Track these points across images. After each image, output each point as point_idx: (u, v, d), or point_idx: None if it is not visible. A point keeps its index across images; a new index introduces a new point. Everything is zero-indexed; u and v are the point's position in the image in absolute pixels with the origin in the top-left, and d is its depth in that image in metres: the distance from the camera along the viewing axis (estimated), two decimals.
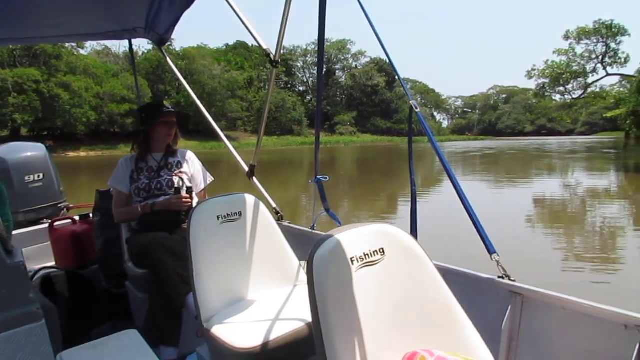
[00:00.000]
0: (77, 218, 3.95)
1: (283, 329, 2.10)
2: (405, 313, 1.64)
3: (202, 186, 3.49)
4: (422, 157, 35.14)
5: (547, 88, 45.63)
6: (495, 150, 47.47)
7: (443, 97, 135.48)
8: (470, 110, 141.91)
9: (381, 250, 1.64)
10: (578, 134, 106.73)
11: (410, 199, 2.65)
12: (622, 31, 42.37)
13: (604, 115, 52.61)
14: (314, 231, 3.29)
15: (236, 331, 2.12)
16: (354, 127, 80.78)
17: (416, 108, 2.48)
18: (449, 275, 2.01)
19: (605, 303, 1.80)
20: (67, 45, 46.00)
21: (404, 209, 12.35)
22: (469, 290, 2.12)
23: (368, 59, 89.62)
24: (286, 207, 11.43)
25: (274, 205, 3.66)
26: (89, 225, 3.84)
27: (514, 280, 2.08)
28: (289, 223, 3.59)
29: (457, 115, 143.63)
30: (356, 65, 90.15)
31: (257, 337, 2.04)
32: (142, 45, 70.27)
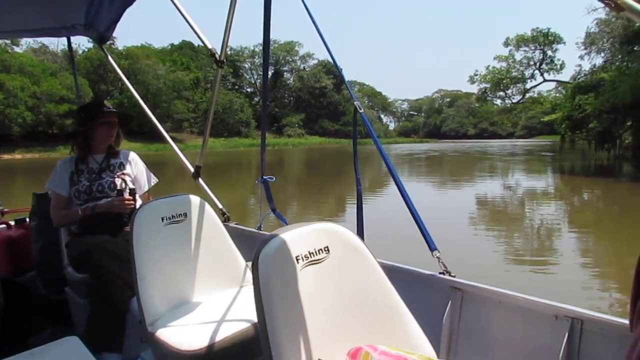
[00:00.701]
0: (12, 223, 3.78)
1: (229, 330, 2.09)
2: (350, 310, 1.67)
3: (146, 188, 3.41)
4: (369, 158, 35.60)
5: (489, 93, 47.20)
6: (439, 153, 48.75)
7: (390, 100, 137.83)
8: (416, 113, 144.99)
9: (326, 249, 1.66)
10: (518, 137, 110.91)
11: (356, 198, 2.69)
12: (557, 39, 44.41)
13: (541, 120, 54.88)
14: (260, 232, 3.29)
15: (181, 334, 2.09)
16: (302, 128, 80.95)
17: (360, 109, 2.52)
18: (392, 273, 2.06)
19: (541, 296, 1.89)
20: (0, 42, 43.87)
21: (353, 209, 12.46)
22: (412, 286, 2.18)
23: (316, 61, 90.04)
24: (234, 209, 11.33)
25: (220, 206, 3.63)
26: (26, 230, 3.69)
27: (454, 276, 2.16)
28: (236, 224, 3.57)
29: (403, 118, 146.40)
30: (304, 67, 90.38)
31: (203, 339, 2.02)
32: (83, 43, 67.84)
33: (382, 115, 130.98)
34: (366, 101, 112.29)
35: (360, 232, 2.57)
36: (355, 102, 2.51)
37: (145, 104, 4.06)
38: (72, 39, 4.18)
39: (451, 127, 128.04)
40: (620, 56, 29.98)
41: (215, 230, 2.65)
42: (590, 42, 36.52)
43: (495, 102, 54.53)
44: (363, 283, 1.70)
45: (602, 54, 35.82)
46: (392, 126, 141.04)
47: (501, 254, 8.05)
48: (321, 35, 2.64)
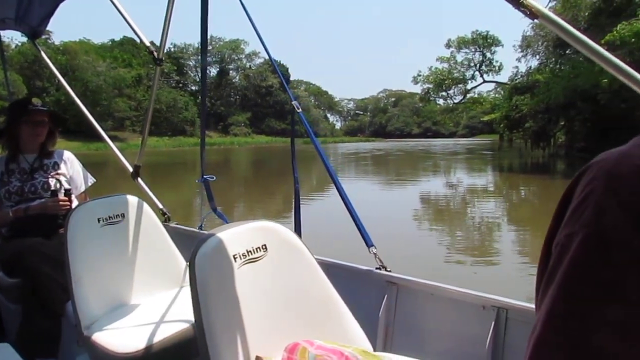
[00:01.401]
0: None
1: (167, 331, 2.07)
2: (289, 306, 1.69)
3: (83, 188, 3.32)
4: (316, 157, 35.72)
5: (432, 93, 48.38)
6: (384, 152, 49.55)
7: (336, 99, 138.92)
8: (362, 113, 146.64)
9: (263, 247, 1.68)
10: (460, 136, 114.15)
11: (294, 197, 2.73)
12: (496, 42, 46.09)
13: (482, 119, 56.81)
14: (201, 231, 3.26)
15: (118, 336, 2.06)
16: (248, 127, 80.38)
17: (298, 108, 2.55)
18: (331, 269, 2.10)
19: (477, 288, 1.99)
20: None
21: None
22: (350, 282, 2.23)
23: (262, 60, 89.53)
24: (179, 209, 11.15)
25: (160, 206, 3.57)
26: None
27: (389, 271, 2.23)
28: (177, 224, 3.53)
29: (349, 117, 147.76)
30: (250, 66, 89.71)
31: (140, 341, 2.00)
32: (16, 37, 64.65)
33: (328, 115, 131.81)
34: (312, 100, 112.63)
35: (298, 230, 2.60)
36: (292, 102, 2.55)
37: (85, 101, 3.94)
38: (4, 32, 4.01)
39: (396, 126, 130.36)
40: (553, 59, 31.47)
41: (155, 230, 2.61)
42: (526, 45, 38.11)
43: (438, 102, 55.96)
44: (300, 280, 1.73)
45: (537, 57, 37.46)
46: (338, 125, 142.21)
47: (443, 249, 8.29)
48: (257, 32, 2.66)
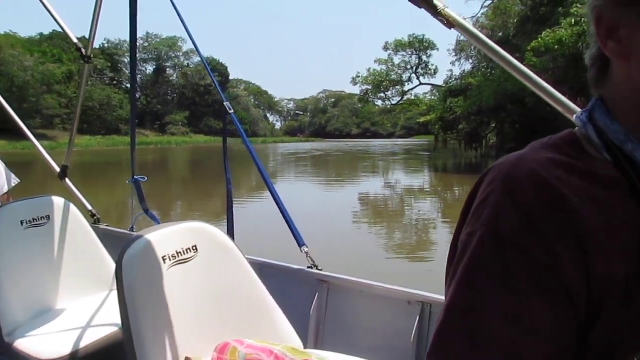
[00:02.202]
0: None
1: (94, 336, 2.03)
2: (220, 307, 1.70)
3: (5, 189, 3.17)
4: (263, 157, 35.48)
5: (370, 94, 49.05)
6: (323, 152, 49.91)
7: (276, 99, 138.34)
8: (302, 113, 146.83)
9: (194, 248, 1.68)
10: (398, 137, 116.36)
11: (226, 198, 2.73)
12: (431, 45, 47.38)
13: (418, 121, 58.20)
14: (133, 233, 3.20)
15: (42, 342, 1.99)
16: (186, 127, 78.71)
17: (230, 110, 2.56)
18: (263, 269, 2.13)
19: (408, 285, 2.06)
20: None
21: (237, 208, 12.41)
22: (282, 281, 2.26)
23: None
24: (113, 210, 10.80)
25: (89, 207, 3.46)
26: None
27: (321, 270, 2.28)
28: (107, 226, 3.44)
29: (289, 118, 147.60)
30: (188, 64, 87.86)
31: (65, 347, 1.94)
32: None
33: (268, 115, 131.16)
34: (252, 100, 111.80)
35: (231, 231, 2.61)
36: (225, 103, 2.55)
37: (10, 98, 3.76)
38: None
39: (336, 126, 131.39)
40: (485, 63, 32.68)
41: (82, 232, 2.54)
42: (460, 49, 39.40)
43: (376, 103, 56.82)
44: (232, 280, 1.74)
45: (470, 61, 38.81)
46: (278, 125, 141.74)
47: (379, 247, 8.46)
48: (187, 29, 2.65)
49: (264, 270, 2.03)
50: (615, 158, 0.66)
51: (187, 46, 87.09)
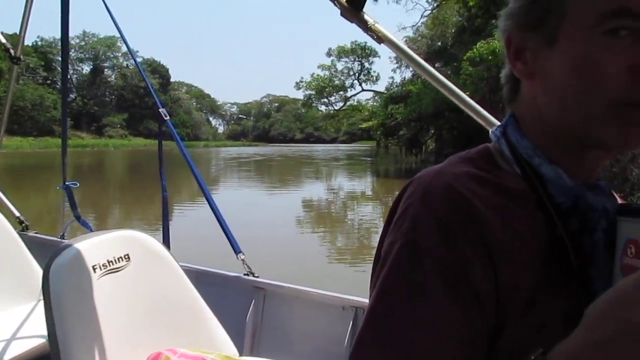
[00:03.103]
0: None
1: (19, 349, 1.94)
2: (152, 316, 1.67)
3: None
4: (198, 161, 34.89)
5: (313, 99, 49.44)
6: (266, 157, 49.75)
7: (219, 103, 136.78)
8: (245, 117, 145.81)
9: (126, 257, 1.64)
10: (341, 142, 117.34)
11: (162, 205, 2.69)
12: (373, 52, 48.28)
13: (360, 126, 59.00)
14: (63, 241, 3.08)
15: None
16: (125, 129, 76.51)
17: (166, 116, 2.53)
18: (199, 277, 2.11)
19: (347, 290, 2.10)
20: None
21: (178, 213, 12.19)
22: (218, 288, 2.26)
23: (140, 59, 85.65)
24: (45, 216, 10.34)
25: (17, 214, 3.31)
26: None
27: (257, 277, 2.28)
28: (36, 233, 3.29)
29: (232, 121, 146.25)
30: (127, 65, 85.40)
31: None
32: None
33: (211, 118, 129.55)
34: (194, 103, 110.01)
35: (166, 239, 2.57)
36: (160, 110, 2.51)
37: None
38: None
39: (279, 131, 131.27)
40: None
41: (8, 240, 2.43)
42: (400, 57, 40.39)
43: (320, 108, 57.26)
44: (165, 289, 1.72)
45: (410, 69, 39.76)
46: (221, 129, 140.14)
47: (320, 252, 8.51)
48: (119, 30, 2.59)
49: (200, 278, 2.02)
50: (524, 171, 0.71)
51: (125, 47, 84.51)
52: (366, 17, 1.24)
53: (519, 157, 0.73)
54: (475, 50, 20.10)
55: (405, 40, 38.34)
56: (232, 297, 2.28)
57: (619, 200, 0.87)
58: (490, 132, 0.80)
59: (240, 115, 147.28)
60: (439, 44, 30.88)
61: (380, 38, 1.26)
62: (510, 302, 0.64)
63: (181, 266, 1.80)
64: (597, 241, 0.67)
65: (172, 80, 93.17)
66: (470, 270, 0.64)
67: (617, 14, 0.62)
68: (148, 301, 1.67)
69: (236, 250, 2.33)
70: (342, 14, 1.25)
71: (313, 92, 48.12)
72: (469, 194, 0.67)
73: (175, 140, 2.53)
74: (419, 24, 35.17)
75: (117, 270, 1.61)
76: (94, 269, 1.54)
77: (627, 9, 0.61)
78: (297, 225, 11.55)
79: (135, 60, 2.59)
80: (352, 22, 1.24)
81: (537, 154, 0.71)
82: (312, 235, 10.65)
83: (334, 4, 1.24)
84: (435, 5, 31.13)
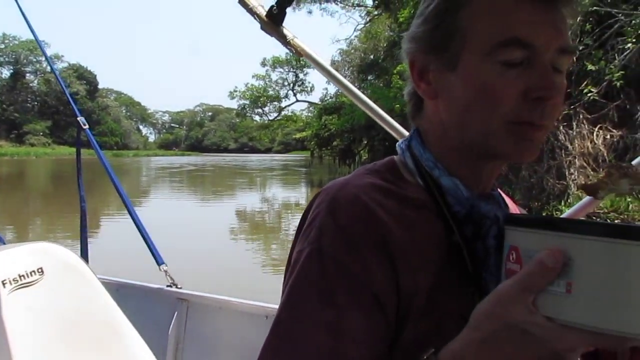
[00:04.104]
0: None
1: None
2: (69, 333, 1.61)
3: None
4: (126, 172, 33.84)
5: (248, 109, 49.21)
6: (199, 167, 48.92)
7: (150, 111, 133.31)
8: (177, 126, 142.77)
9: (39, 270, 1.58)
10: (275, 152, 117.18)
11: (80, 216, 2.61)
12: (308, 64, 48.69)
13: (295, 137, 59.26)
14: None
15: None
16: (48, 137, 72.96)
17: (84, 125, 2.46)
18: (120, 289, 2.06)
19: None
20: None
21: (106, 224, 11.78)
22: (140, 301, 2.21)
23: (66, 64, 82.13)
24: None
25: None
26: None
27: (180, 288, 2.25)
28: None
29: (164, 130, 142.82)
30: (52, 70, 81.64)
31: None
32: None
33: (141, 127, 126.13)
34: (124, 111, 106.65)
35: (84, 252, 2.49)
36: (78, 118, 2.45)
37: None
38: None
39: (213, 140, 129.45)
40: (357, 83, 34.31)
41: None
42: (334, 68, 40.89)
43: (254, 118, 57.01)
44: (82, 304, 1.66)
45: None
46: (152, 138, 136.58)
47: (255, 261, 8.46)
48: (35, 34, 2.50)
49: (121, 291, 1.96)
50: (426, 183, 0.76)
51: (51, 50, 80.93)
52: (285, 31, 1.28)
53: (422, 169, 0.77)
54: (404, 64, 20.69)
55: (339, 53, 39.04)
56: (154, 310, 2.24)
57: (517, 209, 0.94)
58: (396, 145, 0.85)
59: (173, 124, 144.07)
60: (372, 57, 31.58)
61: (299, 52, 1.30)
62: (410, 304, 0.68)
63: (100, 279, 1.75)
64: (490, 247, 0.72)
65: (100, 87, 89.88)
66: (372, 275, 0.67)
67: (508, 43, 0.68)
68: (63, 317, 1.61)
69: (158, 261, 2.29)
70: (262, 28, 1.28)
71: (247, 102, 47.91)
72: (373, 203, 0.70)
73: (94, 149, 2.46)
74: (353, 37, 35.89)
75: (29, 284, 1.54)
76: (4, 284, 1.47)
77: (517, 39, 0.67)
78: (230, 236, 11.42)
79: (50, 64, 2.52)
80: (271, 36, 1.27)
81: (437, 166, 0.77)
82: (246, 245, 10.57)
83: (254, 17, 1.26)
84: (367, 19, 31.88)
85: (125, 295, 1.92)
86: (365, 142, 35.79)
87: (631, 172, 0.62)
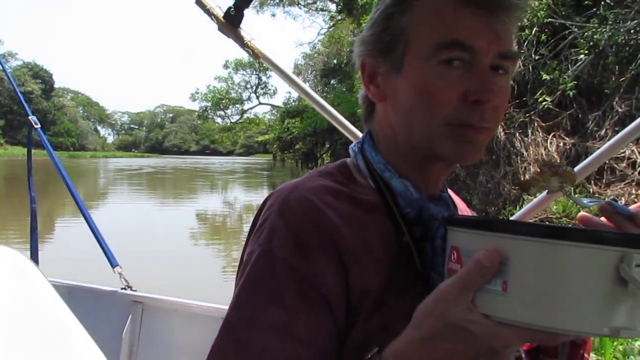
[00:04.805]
0: None
1: None
2: (17, 338, 1.56)
3: None
4: (82, 174, 32.96)
5: (209, 111, 48.60)
6: (158, 169, 48.07)
7: (108, 112, 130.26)
8: (137, 127, 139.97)
9: None
10: (238, 154, 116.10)
11: (30, 218, 2.54)
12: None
13: (257, 140, 58.84)
14: None
15: None
16: (0, 137, 70.34)
17: (36, 124, 2.40)
18: (73, 292, 2.01)
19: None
20: None
21: (61, 228, 11.45)
22: (93, 304, 2.16)
23: (21, 62, 79.40)
24: None
25: None
26: None
27: (135, 290, 2.21)
28: None
29: (123, 131, 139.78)
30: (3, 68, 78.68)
31: None
32: None
33: (99, 127, 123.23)
34: (81, 111, 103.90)
35: (34, 253, 2.43)
36: (29, 118, 2.38)
37: None
38: None
39: (174, 142, 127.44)
40: (320, 87, 34.39)
41: None
42: (297, 72, 40.97)
43: (216, 121, 56.35)
44: (31, 307, 1.62)
45: (308, 84, 40.47)
46: (110, 139, 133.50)
47: (216, 264, 8.37)
48: None
49: (73, 294, 1.92)
50: (377, 185, 0.78)
51: (3, 48, 78.09)
52: (243, 33, 1.28)
53: (373, 172, 0.79)
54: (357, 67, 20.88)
55: (303, 56, 39.06)
56: (107, 313, 2.19)
57: (468, 211, 0.97)
58: (349, 148, 0.86)
59: (132, 125, 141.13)
60: (335, 61, 31.73)
61: (256, 54, 1.30)
62: (359, 304, 0.69)
63: (51, 282, 1.71)
64: (438, 247, 0.74)
65: (56, 86, 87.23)
66: (321, 276, 0.68)
67: (449, 45, 0.70)
68: (11, 321, 1.56)
69: (112, 263, 2.25)
70: (219, 29, 1.28)
71: (209, 104, 47.30)
72: (323, 205, 0.72)
73: (46, 149, 2.40)
74: (316, 41, 35.97)
75: None
76: None
77: (457, 42, 0.70)
78: (190, 239, 11.26)
79: (2, 65, 2.44)
80: (229, 37, 1.27)
81: (388, 168, 0.78)
82: (206, 248, 10.44)
83: (211, 18, 1.26)
84: (331, 24, 32.03)
85: (78, 298, 1.88)
86: (328, 145, 35.91)
87: (561, 171, 0.65)
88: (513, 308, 0.54)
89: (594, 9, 10.51)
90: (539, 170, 0.67)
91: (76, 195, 2.39)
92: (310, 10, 32.17)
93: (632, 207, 0.67)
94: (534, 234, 0.54)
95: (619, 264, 0.52)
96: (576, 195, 0.71)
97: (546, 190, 0.67)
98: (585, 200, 0.74)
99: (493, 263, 0.54)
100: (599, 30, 10.04)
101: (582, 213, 0.70)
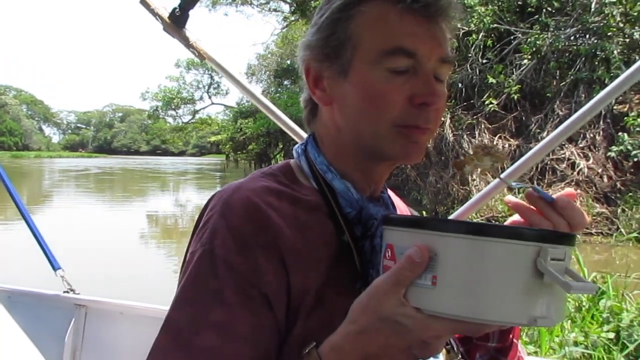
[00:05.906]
0: None
1: None
2: None
3: None
4: (28, 173, 31.70)
5: (160, 110, 47.60)
6: (105, 170, 46.74)
7: (53, 111, 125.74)
8: (84, 127, 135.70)
9: None
10: (190, 155, 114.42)
11: None
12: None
13: (210, 140, 58.05)
14: None
15: None
16: None
17: None
18: (13, 297, 1.94)
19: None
20: None
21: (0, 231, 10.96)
22: (35, 308, 2.10)
23: None
24: None
25: None
26: None
27: (78, 294, 2.16)
28: None
29: (69, 131, 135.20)
30: None
31: None
32: None
33: (44, 127, 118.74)
34: (24, 110, 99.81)
35: None
36: None
37: None
38: None
39: (123, 142, 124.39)
40: (273, 88, 34.28)
41: None
42: (251, 72, 40.63)
43: (167, 121, 55.27)
44: None
45: (261, 84, 40.27)
46: (56, 139, 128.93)
47: (167, 266, 8.22)
48: None
49: (13, 298, 1.85)
50: (319, 185, 0.80)
51: None
52: (188, 34, 1.28)
53: (316, 173, 0.81)
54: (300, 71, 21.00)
55: (257, 56, 38.81)
56: (49, 317, 2.13)
57: (408, 210, 1.01)
58: (293, 150, 0.88)
59: (79, 125, 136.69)
60: (288, 62, 31.71)
61: (201, 55, 1.30)
62: (300, 302, 0.71)
63: None
64: (377, 246, 0.77)
65: None
66: (262, 276, 0.70)
67: (394, 52, 0.73)
68: None
69: (54, 266, 2.18)
70: (164, 29, 1.27)
71: (160, 104, 46.32)
72: (265, 206, 0.73)
73: None
74: (270, 41, 35.83)
75: None
76: None
77: (401, 49, 0.73)
78: (140, 240, 11.02)
79: None
80: (174, 37, 1.27)
81: (330, 169, 0.81)
82: (157, 250, 10.24)
83: (156, 18, 1.25)
84: (285, 25, 31.96)
85: (18, 302, 1.82)
86: (281, 146, 35.82)
87: (493, 152, 0.70)
88: (442, 301, 0.57)
89: (537, 16, 10.94)
90: (473, 151, 0.71)
91: (15, 196, 2.31)
92: (264, 11, 31.99)
93: (555, 195, 0.72)
94: (460, 231, 0.57)
95: (536, 258, 0.56)
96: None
97: (479, 169, 0.71)
98: (513, 183, 0.78)
99: (423, 259, 0.57)
100: (541, 36, 10.47)
101: (509, 197, 0.75)
